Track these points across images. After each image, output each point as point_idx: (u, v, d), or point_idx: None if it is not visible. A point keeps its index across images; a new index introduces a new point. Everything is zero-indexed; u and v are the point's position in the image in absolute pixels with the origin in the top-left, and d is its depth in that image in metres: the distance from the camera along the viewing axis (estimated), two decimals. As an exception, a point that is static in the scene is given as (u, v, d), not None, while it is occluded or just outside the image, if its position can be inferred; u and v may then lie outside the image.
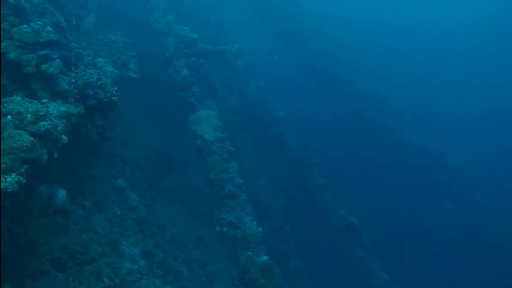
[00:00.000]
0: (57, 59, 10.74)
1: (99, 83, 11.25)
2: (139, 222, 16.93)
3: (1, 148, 7.58)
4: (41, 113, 8.60)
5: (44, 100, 9.16)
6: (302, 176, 22.40)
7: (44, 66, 10.34)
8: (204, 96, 18.08)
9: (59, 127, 9.16)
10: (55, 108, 9.83)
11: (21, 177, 7.63)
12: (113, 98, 11.43)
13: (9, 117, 8.22)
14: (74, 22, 15.48)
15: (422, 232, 23.71)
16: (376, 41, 32.05)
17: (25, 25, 10.48)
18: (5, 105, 8.33)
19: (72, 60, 12.14)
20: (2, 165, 7.48)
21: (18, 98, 8.63)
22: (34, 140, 8.10)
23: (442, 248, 23.87)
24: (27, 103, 8.60)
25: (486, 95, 32.43)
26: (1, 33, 9.78)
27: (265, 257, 14.59)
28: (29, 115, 8.41)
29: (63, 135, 9.58)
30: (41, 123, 8.50)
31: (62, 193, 10.55)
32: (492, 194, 25.35)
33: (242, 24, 26.83)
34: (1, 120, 8.01)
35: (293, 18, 27.37)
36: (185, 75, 17.75)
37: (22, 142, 7.83)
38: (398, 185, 24.37)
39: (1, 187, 7.26)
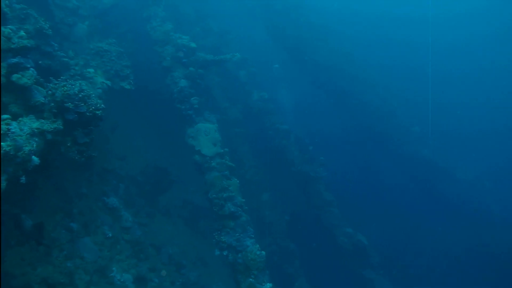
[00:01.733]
0: (31, 68, 9.18)
1: (80, 95, 9.68)
2: (133, 244, 15.28)
3: None
4: (-1, 132, 7.04)
5: (5, 116, 7.58)
6: (307, 191, 20.73)
7: (15, 76, 8.77)
8: (203, 109, 16.49)
9: (26, 148, 7.59)
10: (26, 124, 8.27)
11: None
12: (97, 112, 9.85)
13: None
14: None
15: (434, 250, 21.93)
16: (384, 53, 30.50)
17: (-6, 30, 8.95)
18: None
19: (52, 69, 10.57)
20: None
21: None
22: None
23: (455, 266, 22.07)
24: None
25: (498, 107, 30.77)
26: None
27: (268, 285, 12.90)
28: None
29: (33, 156, 8.01)
30: (-1, 144, 6.93)
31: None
32: (505, 208, 23.59)
33: (245, 33, 25.32)
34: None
35: (299, 28, 25.86)
36: (183, 86, 16.18)
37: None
38: (407, 200, 22.68)
39: None
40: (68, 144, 9.63)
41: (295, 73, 24.97)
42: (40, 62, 11.76)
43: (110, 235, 14.32)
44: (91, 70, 13.74)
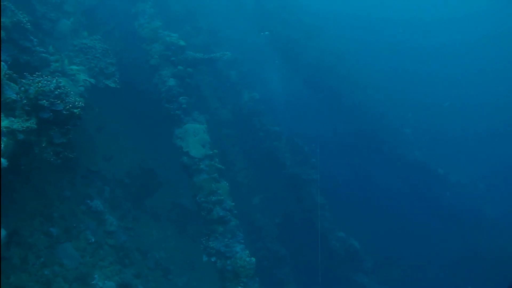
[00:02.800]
0: (2, 62, 8.34)
1: (57, 92, 8.84)
2: (118, 249, 14.41)
3: None
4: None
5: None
6: (299, 195, 19.99)
7: (-18, 71, 7.97)
8: (192, 108, 15.69)
9: (-9, 149, 6.78)
10: (-6, 123, 7.45)
11: None
12: (75, 110, 9.01)
13: None
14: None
15: (427, 254, 21.26)
16: (376, 54, 29.86)
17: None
18: None
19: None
20: None
21: None
22: None
23: (448, 270, 21.46)
24: None
25: (492, 107, 30.28)
26: None
27: (258, 293, 12.16)
28: None
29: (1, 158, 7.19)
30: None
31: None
32: (500, 211, 23.04)
33: (236, 33, 24.52)
34: None
35: (291, 27, 25.18)
36: (171, 85, 15.39)
37: None
38: (400, 204, 22.01)
39: None
40: (43, 145, 8.78)
41: (287, 73, 24.21)
42: (18, 57, 10.95)
43: (93, 240, 13.45)
44: (74, 67, 12.87)
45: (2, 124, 7.56)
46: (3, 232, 8.24)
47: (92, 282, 12.19)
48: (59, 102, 8.78)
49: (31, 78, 8.89)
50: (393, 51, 31.62)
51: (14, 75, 8.83)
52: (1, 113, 7.96)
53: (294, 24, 26.03)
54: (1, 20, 10.32)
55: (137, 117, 18.79)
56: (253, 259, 12.82)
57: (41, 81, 8.76)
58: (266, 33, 24.19)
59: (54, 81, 9.05)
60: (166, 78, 15.54)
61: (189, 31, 21.00)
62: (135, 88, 18.25)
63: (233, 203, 13.96)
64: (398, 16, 34.77)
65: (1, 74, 8.10)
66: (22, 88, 8.49)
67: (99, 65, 13.82)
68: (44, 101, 8.58)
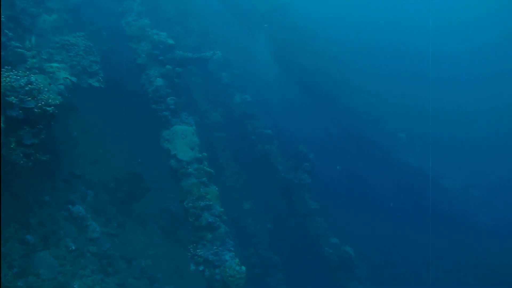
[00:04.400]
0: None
1: (27, 88, 7.95)
2: (100, 257, 13.43)
3: None
4: None
5: None
6: (292, 200, 19.14)
7: None
8: (180, 110, 14.79)
9: None
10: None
11: None
12: (48, 108, 8.11)
13: None
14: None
15: (422, 261, 20.47)
16: (370, 58, 29.24)
17: None
18: None
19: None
20: None
21: None
22: None
23: (443, 277, 20.69)
24: None
25: (487, 113, 29.73)
26: None
27: (248, 305, 11.25)
28: None
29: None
30: None
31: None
32: (494, 218, 22.37)
33: (228, 35, 23.77)
34: None
35: (284, 30, 24.44)
36: (159, 85, 14.51)
37: None
38: (395, 209, 21.26)
39: None
40: (12, 146, 7.86)
41: (280, 76, 23.46)
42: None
43: (74, 247, 12.50)
44: (55, 64, 11.96)
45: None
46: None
47: (71, 293, 11.24)
48: (29, 99, 7.89)
49: None
50: (388, 55, 31.08)
51: (-19, 69, 7.94)
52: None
53: (288, 27, 25.31)
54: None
55: (124, 118, 17.91)
56: (243, 267, 11.92)
57: (10, 76, 7.87)
58: (265, 25, 23.43)
59: (25, 76, 8.15)
60: (154, 78, 14.67)
61: (179, 32, 20.19)
62: (122, 89, 17.41)
63: (223, 209, 13.06)
64: (392, 20, 34.23)
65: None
66: (-13, 83, 7.60)
67: (82, 63, 12.92)
68: (13, 97, 7.68)
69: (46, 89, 8.50)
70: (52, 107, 8.25)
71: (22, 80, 7.93)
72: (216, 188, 13.64)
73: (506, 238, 21.97)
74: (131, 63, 16.07)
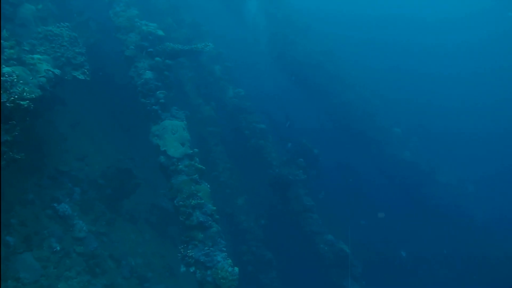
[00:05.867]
0: None
1: (-1, 80, 7.16)
2: (87, 257, 12.70)
3: None
4: None
5: None
6: (286, 196, 18.45)
7: None
8: (171, 104, 14.00)
9: None
10: None
11: None
12: (22, 102, 7.32)
13: None
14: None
15: (417, 258, 19.96)
16: (365, 52, 28.54)
17: None
18: None
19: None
20: None
21: None
22: None
23: (439, 272, 20.23)
24: None
25: (483, 109, 29.21)
26: None
27: (241, 307, 10.59)
28: None
29: None
30: None
31: None
32: (488, 213, 21.90)
33: (221, 27, 22.92)
34: None
35: (278, 24, 23.63)
36: (148, 78, 13.70)
37: None
38: (390, 205, 20.67)
39: None
40: (-18, 143, 7.09)
41: (274, 69, 22.71)
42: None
43: (58, 248, 11.78)
44: (36, 56, 11.11)
45: None
46: None
47: (54, 297, 10.52)
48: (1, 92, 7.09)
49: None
50: (383, 49, 30.42)
51: None
52: None
53: (282, 20, 24.50)
54: None
55: (114, 113, 17.12)
56: (236, 269, 11.24)
57: (-20, 67, 7.07)
58: (259, 18, 22.66)
59: (-3, 66, 7.35)
60: (143, 71, 13.85)
61: (170, 23, 19.33)
62: (111, 82, 16.56)
63: (215, 207, 12.32)
64: (388, 14, 33.53)
65: None
66: (-47, 74, 6.81)
67: (66, 55, 12.07)
68: (-18, 90, 6.89)
69: (21, 81, 7.67)
70: (27, 101, 7.46)
71: (-6, 72, 7.14)
72: (208, 186, 12.91)
73: (500, 232, 21.62)
74: (120, 55, 15.25)
